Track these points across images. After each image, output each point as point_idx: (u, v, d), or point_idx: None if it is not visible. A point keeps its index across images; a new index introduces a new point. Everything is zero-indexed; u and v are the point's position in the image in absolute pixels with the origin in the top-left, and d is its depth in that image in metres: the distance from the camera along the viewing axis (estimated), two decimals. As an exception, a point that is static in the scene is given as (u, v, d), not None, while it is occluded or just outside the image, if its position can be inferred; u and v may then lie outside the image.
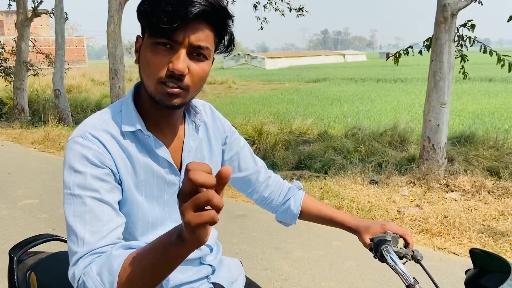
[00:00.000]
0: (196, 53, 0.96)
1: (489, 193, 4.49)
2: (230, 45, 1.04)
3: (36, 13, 10.77)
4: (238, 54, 59.57)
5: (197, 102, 1.20)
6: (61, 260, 1.39)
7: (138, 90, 1.09)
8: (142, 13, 0.96)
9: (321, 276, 3.13)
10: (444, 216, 3.97)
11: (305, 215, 1.38)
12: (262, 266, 3.28)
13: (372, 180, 5.18)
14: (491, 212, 4.06)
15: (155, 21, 0.91)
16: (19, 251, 1.46)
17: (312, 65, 50.50)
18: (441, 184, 4.80)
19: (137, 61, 1.03)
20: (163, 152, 1.07)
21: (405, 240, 1.22)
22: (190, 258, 1.15)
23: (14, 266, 1.41)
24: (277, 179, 1.41)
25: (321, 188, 5.00)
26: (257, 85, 23.69)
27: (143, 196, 1.06)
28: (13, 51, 11.42)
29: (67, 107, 10.57)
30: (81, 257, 0.89)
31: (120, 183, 1.02)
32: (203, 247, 1.17)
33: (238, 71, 41.63)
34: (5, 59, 12.06)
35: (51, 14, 10.74)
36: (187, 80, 0.96)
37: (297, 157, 6.46)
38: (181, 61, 0.93)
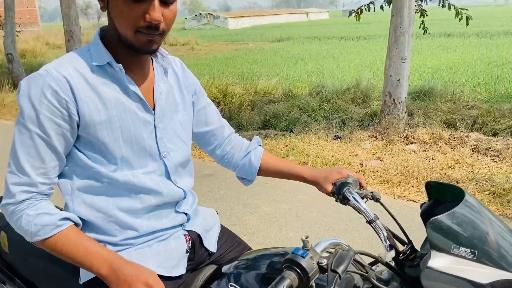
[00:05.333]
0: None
1: (445, 143, 4.71)
2: None
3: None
4: (200, 14, 57.85)
5: (167, 54, 1.23)
6: None
7: (104, 34, 1.11)
8: None
9: (288, 228, 3.24)
10: (403, 167, 4.15)
11: (264, 169, 1.42)
12: (230, 222, 3.36)
13: (336, 135, 5.31)
14: (448, 161, 4.28)
15: None
16: None
17: (275, 24, 49.79)
18: (401, 137, 4.98)
19: (104, 9, 1.05)
20: (134, 86, 1.10)
21: (360, 183, 1.29)
22: (165, 207, 1.19)
23: None
24: (238, 137, 1.47)
25: (286, 145, 5.09)
26: (220, 46, 23.23)
27: (120, 133, 1.08)
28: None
29: (22, 72, 10.07)
30: (17, 184, 1.01)
31: (78, 123, 1.04)
32: (177, 191, 1.20)
33: (200, 31, 40.55)
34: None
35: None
36: (162, 26, 1.03)
37: (263, 117, 6.49)
38: (157, 11, 0.99)
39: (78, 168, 1.09)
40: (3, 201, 1.03)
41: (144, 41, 1.03)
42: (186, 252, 1.22)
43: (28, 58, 15.27)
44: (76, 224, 1.08)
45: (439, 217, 0.93)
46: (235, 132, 1.49)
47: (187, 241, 1.23)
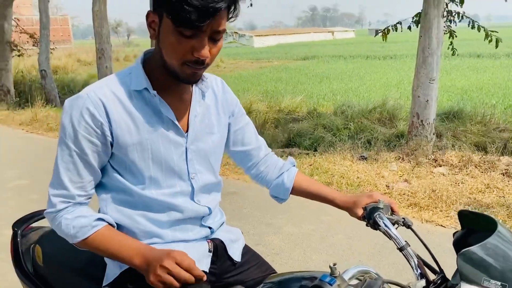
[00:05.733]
0: (215, 36, 1.05)
1: (475, 167, 4.58)
2: (235, 10, 1.08)
3: (18, -9, 10.46)
4: (226, 32, 58.77)
5: (209, 75, 1.28)
6: None
7: (148, 58, 1.17)
8: (164, 2, 1.00)
9: (312, 250, 3.19)
10: (432, 190, 4.05)
11: (297, 190, 1.44)
12: (253, 241, 3.33)
13: (361, 156, 5.24)
14: (478, 186, 4.16)
15: (185, 16, 0.96)
16: (22, 225, 1.50)
17: (300, 43, 50.12)
18: (429, 159, 4.87)
19: (154, 37, 1.08)
20: (167, 111, 1.14)
21: (392, 208, 1.27)
22: (190, 222, 1.24)
23: (18, 239, 1.44)
24: (274, 156, 1.50)
25: (310, 165, 5.05)
26: (245, 64, 23.51)
27: (150, 154, 1.14)
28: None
29: (54, 88, 10.41)
30: (57, 196, 1.11)
31: (112, 143, 1.11)
32: (201, 208, 1.24)
33: (226, 49, 41.17)
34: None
35: (34, -8, 10.46)
36: (207, 60, 1.07)
37: (287, 135, 6.49)
38: (205, 48, 1.04)
39: (112, 181, 1.18)
40: (46, 210, 1.14)
41: (189, 73, 1.08)
42: (209, 251, 1.26)
43: (60, 74, 15.79)
44: (110, 225, 1.15)
45: (470, 248, 0.91)
46: None
47: (208, 242, 1.28)
